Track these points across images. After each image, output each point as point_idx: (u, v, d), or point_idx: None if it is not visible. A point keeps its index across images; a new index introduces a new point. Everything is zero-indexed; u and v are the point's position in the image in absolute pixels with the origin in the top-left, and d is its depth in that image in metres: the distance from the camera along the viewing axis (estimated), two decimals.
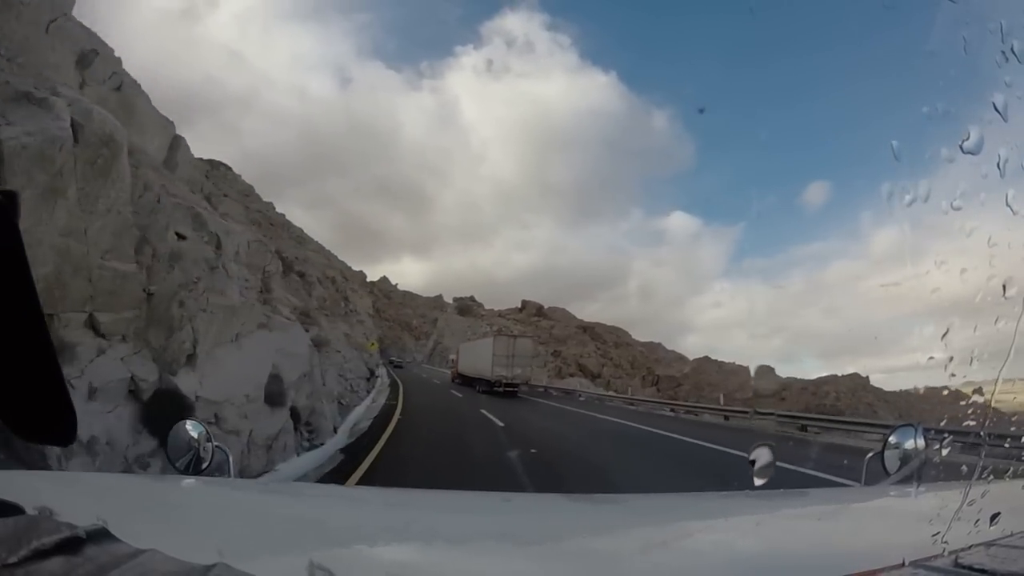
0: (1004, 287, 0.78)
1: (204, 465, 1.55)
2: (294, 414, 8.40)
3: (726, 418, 17.80)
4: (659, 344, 71.78)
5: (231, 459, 1.72)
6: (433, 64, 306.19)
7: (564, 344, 68.96)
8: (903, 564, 0.66)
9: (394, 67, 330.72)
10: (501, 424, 12.81)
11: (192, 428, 1.59)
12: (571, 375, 56.11)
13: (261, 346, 8.21)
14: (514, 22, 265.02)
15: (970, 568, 0.61)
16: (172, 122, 14.05)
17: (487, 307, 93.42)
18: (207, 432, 1.60)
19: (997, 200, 0.80)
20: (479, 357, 27.79)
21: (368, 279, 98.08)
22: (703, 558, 1.00)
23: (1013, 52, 0.78)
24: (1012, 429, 0.93)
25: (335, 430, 10.32)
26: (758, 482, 1.35)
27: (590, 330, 74.66)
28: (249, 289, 9.14)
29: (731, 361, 52.06)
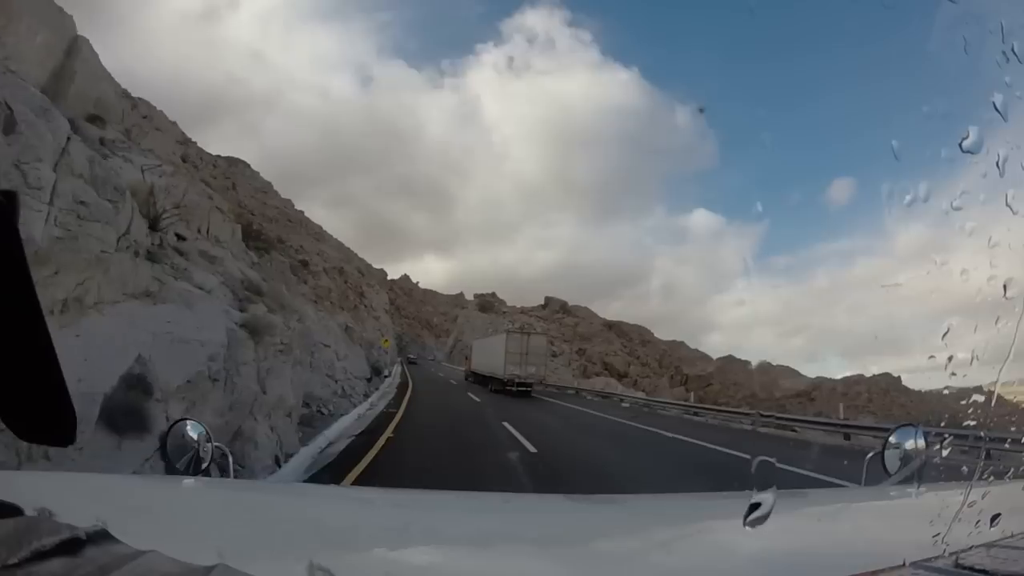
0: (1004, 287, 0.78)
1: (204, 465, 1.55)
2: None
3: (847, 437, 12.31)
4: (682, 343, 70.06)
5: (231, 459, 1.72)
6: (454, 62, 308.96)
7: (589, 342, 66.87)
8: (903, 565, 0.66)
9: (415, 66, 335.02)
10: (533, 449, 8.86)
11: (192, 428, 1.59)
12: (596, 374, 54.28)
13: (124, 325, 5.25)
14: (535, 19, 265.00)
15: (971, 569, 0.61)
16: (73, 21, 12.77)
17: (509, 304, 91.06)
18: (207, 432, 1.60)
19: (997, 200, 0.80)
20: (492, 355, 26.63)
21: (388, 277, 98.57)
22: (703, 559, 1.00)
23: (1013, 52, 0.78)
24: (1012, 430, 0.92)
25: (279, 462, 6.64)
26: (758, 483, 1.35)
27: (615, 327, 72.24)
28: (127, 237, 6.08)
29: (757, 360, 52.01)
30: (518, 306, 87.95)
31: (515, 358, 24.30)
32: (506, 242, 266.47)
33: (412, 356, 66.16)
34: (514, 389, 23.48)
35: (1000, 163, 0.78)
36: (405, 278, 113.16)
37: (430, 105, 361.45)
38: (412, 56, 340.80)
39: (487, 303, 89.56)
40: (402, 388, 22.42)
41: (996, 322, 0.77)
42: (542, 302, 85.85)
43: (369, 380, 21.00)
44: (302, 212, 53.43)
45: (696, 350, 65.39)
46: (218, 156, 45.72)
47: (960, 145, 0.80)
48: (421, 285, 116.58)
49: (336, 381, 15.29)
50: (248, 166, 53.97)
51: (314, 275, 29.79)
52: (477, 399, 20.20)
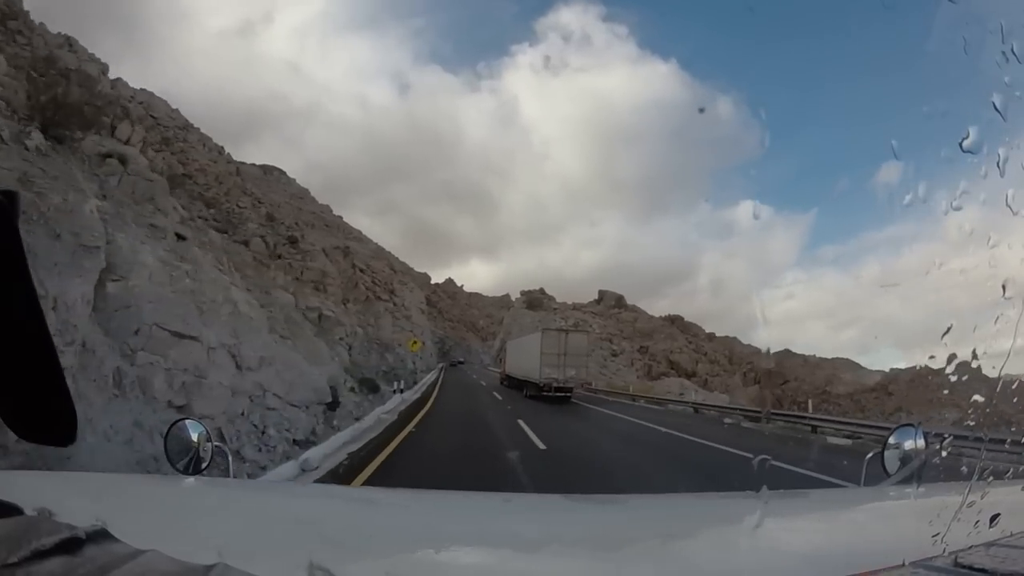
0: (1004, 287, 0.78)
1: (204, 465, 1.55)
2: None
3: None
4: (735, 339, 63.03)
5: (231, 459, 1.72)
6: (490, 64, 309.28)
7: (650, 339, 60.78)
8: (903, 564, 0.66)
9: (451, 70, 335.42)
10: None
11: (192, 428, 1.59)
12: (663, 374, 49.49)
13: None
14: (569, 16, 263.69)
15: (970, 568, 0.61)
16: None
17: (559, 300, 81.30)
18: (207, 432, 1.60)
19: (997, 200, 0.80)
20: (526, 356, 23.65)
21: (432, 281, 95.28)
22: (703, 559, 1.00)
23: (1013, 52, 0.78)
24: (1012, 429, 0.93)
25: None
26: (758, 483, 1.35)
27: (678, 321, 65.42)
28: None
29: (811, 354, 48.73)
30: (568, 302, 79.19)
31: (552, 359, 21.23)
32: (551, 243, 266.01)
33: (460, 360, 68.38)
34: (551, 394, 20.54)
35: (1000, 163, 0.79)
36: (449, 281, 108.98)
37: (468, 109, 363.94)
38: (448, 60, 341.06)
39: (535, 300, 78.99)
40: (417, 405, 15.96)
41: (995, 322, 0.77)
42: (595, 297, 77.98)
43: (330, 407, 11.93)
44: (340, 217, 52.60)
45: (749, 345, 58.52)
46: (252, 164, 45.58)
47: (960, 145, 0.80)
48: (466, 289, 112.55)
49: (253, 405, 8.78)
50: (284, 173, 53.12)
51: (305, 255, 25.99)
52: (529, 433, 11.05)
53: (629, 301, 75.93)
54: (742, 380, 48.77)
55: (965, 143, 0.80)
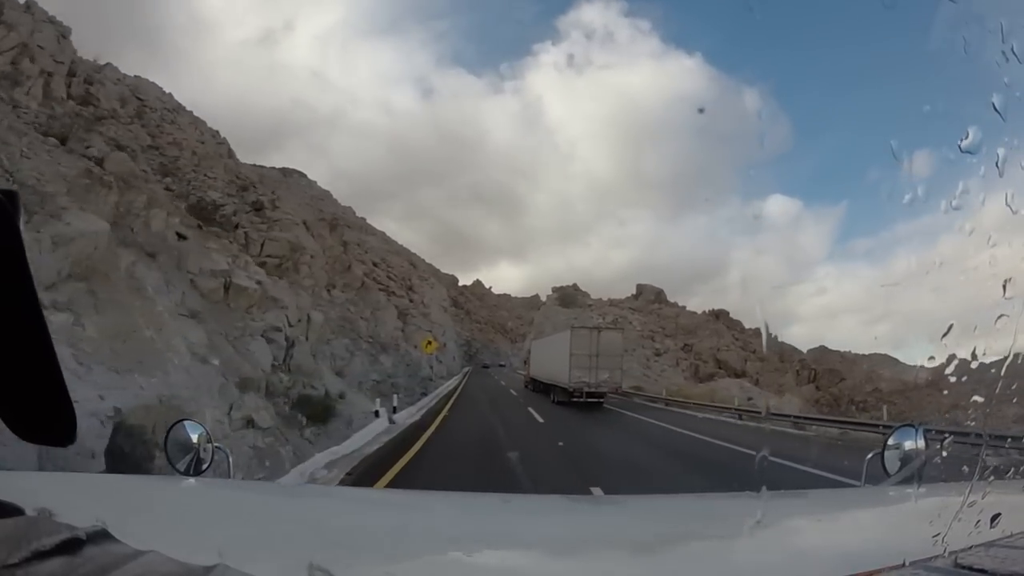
0: (1004, 287, 0.78)
1: (204, 466, 1.55)
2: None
3: None
4: (773, 336, 61.16)
5: (231, 460, 1.72)
6: (513, 65, 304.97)
7: (694, 336, 55.29)
8: (903, 565, 0.66)
9: (475, 72, 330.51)
10: None
11: (192, 429, 1.59)
12: (710, 375, 44.87)
13: None
14: (591, 13, 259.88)
15: (970, 569, 0.61)
16: None
17: (594, 296, 73.99)
18: (207, 432, 1.60)
19: (997, 200, 0.80)
20: (554, 357, 21.30)
21: (460, 283, 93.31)
22: (703, 559, 1.00)
23: (1013, 52, 0.78)
24: (1012, 430, 0.92)
25: None
26: (758, 484, 1.35)
27: (723, 317, 58.69)
28: None
29: (846, 350, 46.24)
30: (604, 298, 71.88)
31: (583, 361, 18.86)
32: (580, 243, 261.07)
33: (498, 363, 69.05)
34: (581, 399, 18.36)
35: (1000, 163, 0.79)
36: (477, 283, 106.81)
37: (493, 110, 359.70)
38: (471, 63, 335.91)
39: (568, 296, 72.19)
40: (415, 430, 10.94)
41: (995, 321, 0.77)
42: (633, 291, 70.36)
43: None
44: (363, 219, 51.39)
45: (784, 343, 52.86)
46: (272, 167, 44.73)
47: (958, 145, 0.80)
48: (494, 291, 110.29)
49: None
50: (304, 175, 51.84)
51: (273, 224, 21.41)
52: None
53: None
54: (795, 379, 44.29)
55: (963, 143, 0.80)
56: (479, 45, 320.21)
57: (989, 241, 0.80)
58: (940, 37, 0.90)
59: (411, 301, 37.47)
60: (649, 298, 67.17)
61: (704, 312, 61.93)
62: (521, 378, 33.86)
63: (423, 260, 62.15)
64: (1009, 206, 0.79)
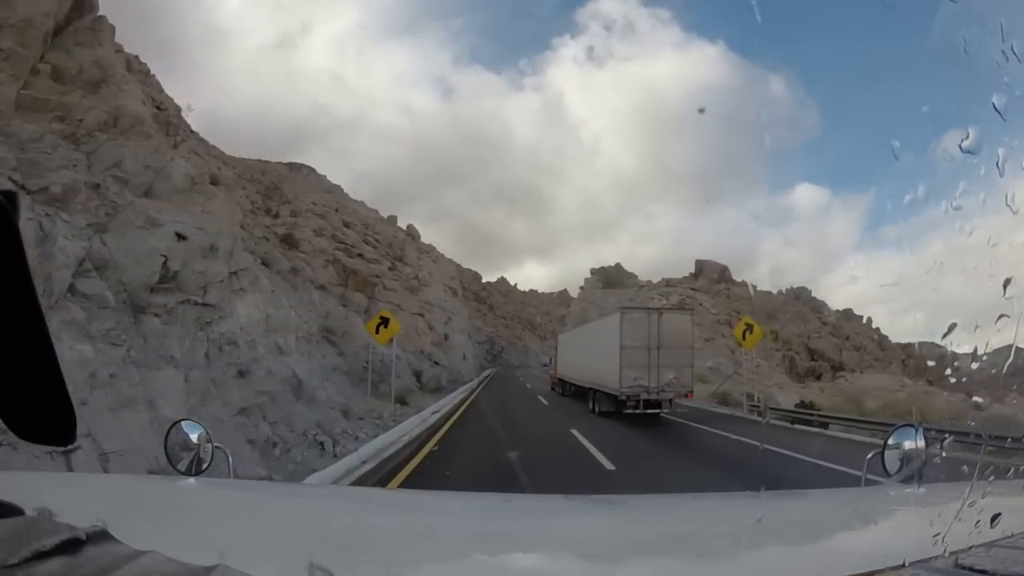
0: (1004, 287, 0.78)
1: (204, 465, 1.55)
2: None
3: None
4: (856, 315, 50.01)
5: (231, 459, 1.71)
6: (532, 61, 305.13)
7: (775, 320, 43.46)
8: (903, 565, 0.66)
9: (493, 69, 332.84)
10: None
11: (191, 428, 1.59)
12: (811, 371, 36.81)
13: None
14: (610, 4, 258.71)
15: (970, 569, 0.61)
16: None
17: (642, 278, 60.26)
18: (207, 432, 1.60)
19: (997, 200, 0.80)
20: (595, 351, 15.23)
21: (484, 280, 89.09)
22: (703, 559, 1.00)
23: (1013, 52, 0.78)
24: (1012, 430, 0.93)
25: None
26: (758, 484, 1.35)
27: (804, 295, 48.36)
28: None
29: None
30: (653, 280, 58.54)
31: (638, 356, 13.04)
32: (606, 239, 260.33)
33: (515, 364, 60.00)
34: (637, 411, 12.81)
35: (1000, 163, 0.79)
36: (503, 280, 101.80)
37: (513, 107, 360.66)
38: (489, 60, 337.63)
39: (612, 277, 58.24)
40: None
41: (996, 321, 0.77)
42: (692, 270, 57.05)
43: None
44: (376, 211, 47.61)
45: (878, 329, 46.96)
46: (278, 162, 42.78)
47: (959, 145, 0.80)
48: (519, 287, 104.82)
49: None
50: (313, 170, 47.85)
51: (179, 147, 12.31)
52: None
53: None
54: (901, 369, 36.55)
55: (964, 143, 0.80)
56: (496, 42, 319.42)
57: (989, 241, 0.80)
58: (940, 37, 0.90)
59: (392, 269, 26.10)
60: (712, 277, 52.79)
61: (781, 292, 50.10)
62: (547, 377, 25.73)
63: (414, 228, 51.04)
64: (1009, 206, 0.79)
